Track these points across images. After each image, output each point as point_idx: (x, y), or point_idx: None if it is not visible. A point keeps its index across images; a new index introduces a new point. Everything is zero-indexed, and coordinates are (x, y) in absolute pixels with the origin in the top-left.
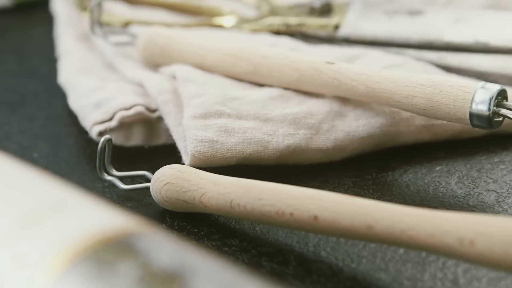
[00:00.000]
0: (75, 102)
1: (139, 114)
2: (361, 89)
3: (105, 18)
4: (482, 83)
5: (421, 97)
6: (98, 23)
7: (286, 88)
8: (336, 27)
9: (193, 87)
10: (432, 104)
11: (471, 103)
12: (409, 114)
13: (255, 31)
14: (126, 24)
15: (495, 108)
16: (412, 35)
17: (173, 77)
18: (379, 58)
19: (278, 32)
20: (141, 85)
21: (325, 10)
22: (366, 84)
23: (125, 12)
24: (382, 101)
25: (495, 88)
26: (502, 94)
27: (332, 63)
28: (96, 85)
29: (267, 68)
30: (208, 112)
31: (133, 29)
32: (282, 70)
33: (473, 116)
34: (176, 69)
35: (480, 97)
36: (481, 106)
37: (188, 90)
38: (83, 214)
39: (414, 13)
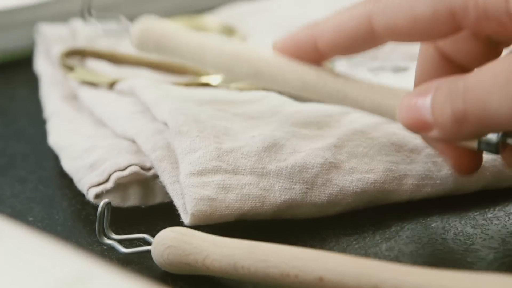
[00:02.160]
0: (68, 165)
1: (134, 174)
2: (367, 103)
3: (91, 78)
4: None
5: None
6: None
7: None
8: None
9: (187, 141)
10: None
11: None
12: (402, 172)
13: (242, 89)
14: (113, 84)
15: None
16: None
17: (165, 124)
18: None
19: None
20: (133, 141)
21: None
22: (372, 94)
23: (109, 71)
24: (389, 117)
25: None
26: None
27: (340, 76)
28: (88, 145)
29: (269, 74)
30: (205, 168)
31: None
32: (285, 76)
33: (481, 141)
34: (167, 117)
35: None
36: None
37: (182, 146)
38: (109, 285)
39: (399, 70)
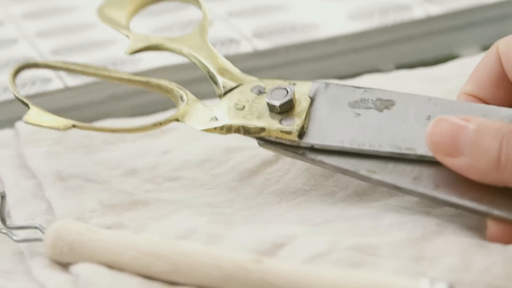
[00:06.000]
0: None
1: None
2: None
3: (47, 122)
4: (428, 282)
5: None
6: (1, 218)
7: None
8: (300, 133)
9: None
10: None
11: None
12: None
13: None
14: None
15: None
16: (382, 146)
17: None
18: (305, 246)
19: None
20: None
21: (285, 110)
22: (299, 285)
23: None
24: None
25: None
26: None
27: (261, 262)
28: None
29: (188, 267)
30: None
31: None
32: (204, 270)
33: None
34: (81, 268)
35: None
36: None
37: None
38: None
39: (383, 105)
